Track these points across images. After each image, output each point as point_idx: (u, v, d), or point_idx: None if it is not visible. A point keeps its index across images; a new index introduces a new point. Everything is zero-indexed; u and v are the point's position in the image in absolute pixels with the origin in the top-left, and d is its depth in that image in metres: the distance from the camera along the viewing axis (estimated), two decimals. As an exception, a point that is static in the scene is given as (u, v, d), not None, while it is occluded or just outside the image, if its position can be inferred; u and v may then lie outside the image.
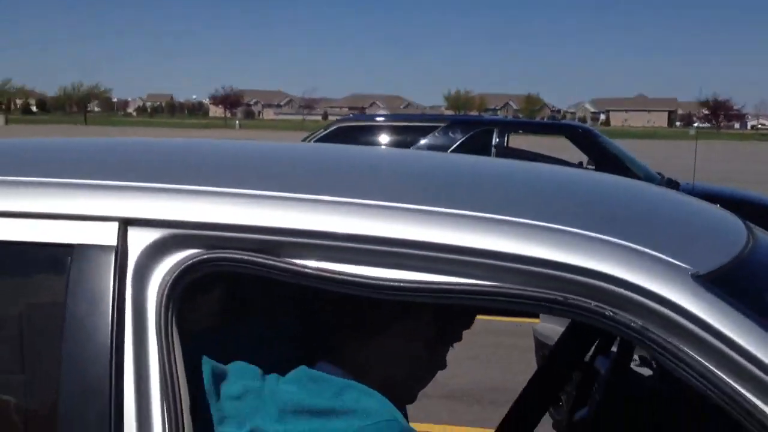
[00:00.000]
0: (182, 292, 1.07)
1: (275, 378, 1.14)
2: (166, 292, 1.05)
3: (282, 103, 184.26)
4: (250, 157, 1.56)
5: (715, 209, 1.54)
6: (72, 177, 1.16)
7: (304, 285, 1.07)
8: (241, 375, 1.13)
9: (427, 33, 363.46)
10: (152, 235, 1.08)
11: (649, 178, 8.62)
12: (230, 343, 1.19)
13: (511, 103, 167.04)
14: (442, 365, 1.27)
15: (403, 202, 1.11)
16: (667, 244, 1.08)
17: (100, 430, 1.00)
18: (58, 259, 1.07)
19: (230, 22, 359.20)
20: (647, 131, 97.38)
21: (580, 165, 9.32)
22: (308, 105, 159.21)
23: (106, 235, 1.07)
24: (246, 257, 1.07)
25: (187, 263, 1.07)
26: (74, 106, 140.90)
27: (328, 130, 8.14)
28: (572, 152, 9.35)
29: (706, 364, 0.97)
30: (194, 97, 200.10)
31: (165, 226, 1.08)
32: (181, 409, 1.02)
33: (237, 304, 1.29)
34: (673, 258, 1.03)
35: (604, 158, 8.74)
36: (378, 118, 9.16)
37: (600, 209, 1.30)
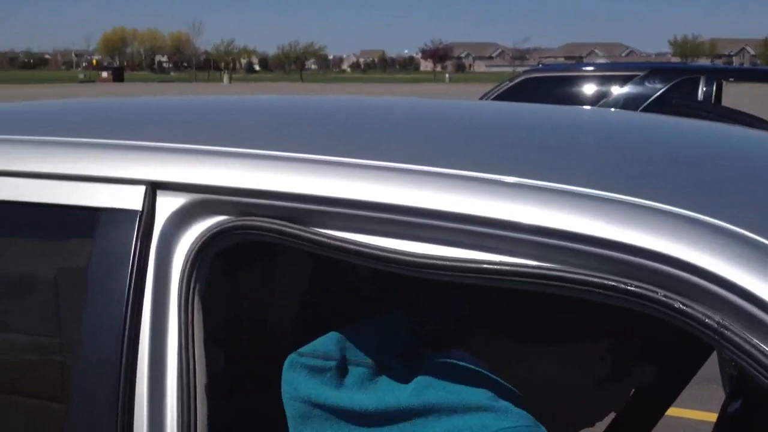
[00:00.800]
0: (210, 260, 1.02)
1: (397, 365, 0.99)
2: (190, 260, 1.01)
3: (494, 55, 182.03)
4: (297, 117, 1.46)
5: None
6: (101, 137, 1.13)
7: (350, 260, 0.97)
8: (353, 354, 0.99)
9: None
10: (180, 200, 1.03)
11: None
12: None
13: (747, 48, 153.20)
14: (618, 406, 1.10)
15: (444, 167, 0.97)
16: (759, 220, 0.86)
17: (112, 400, 0.98)
18: (83, 222, 1.06)
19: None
20: None
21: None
22: (520, 56, 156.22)
23: (132, 199, 1.04)
24: (277, 226, 0.98)
25: (214, 230, 1.01)
26: (293, 64, 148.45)
27: (513, 83, 7.77)
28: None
29: None
30: (406, 51, 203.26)
31: (194, 190, 1.03)
32: (195, 384, 0.98)
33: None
34: (763, 238, 0.81)
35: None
36: (570, 69, 8.66)
37: (683, 174, 1.06)
